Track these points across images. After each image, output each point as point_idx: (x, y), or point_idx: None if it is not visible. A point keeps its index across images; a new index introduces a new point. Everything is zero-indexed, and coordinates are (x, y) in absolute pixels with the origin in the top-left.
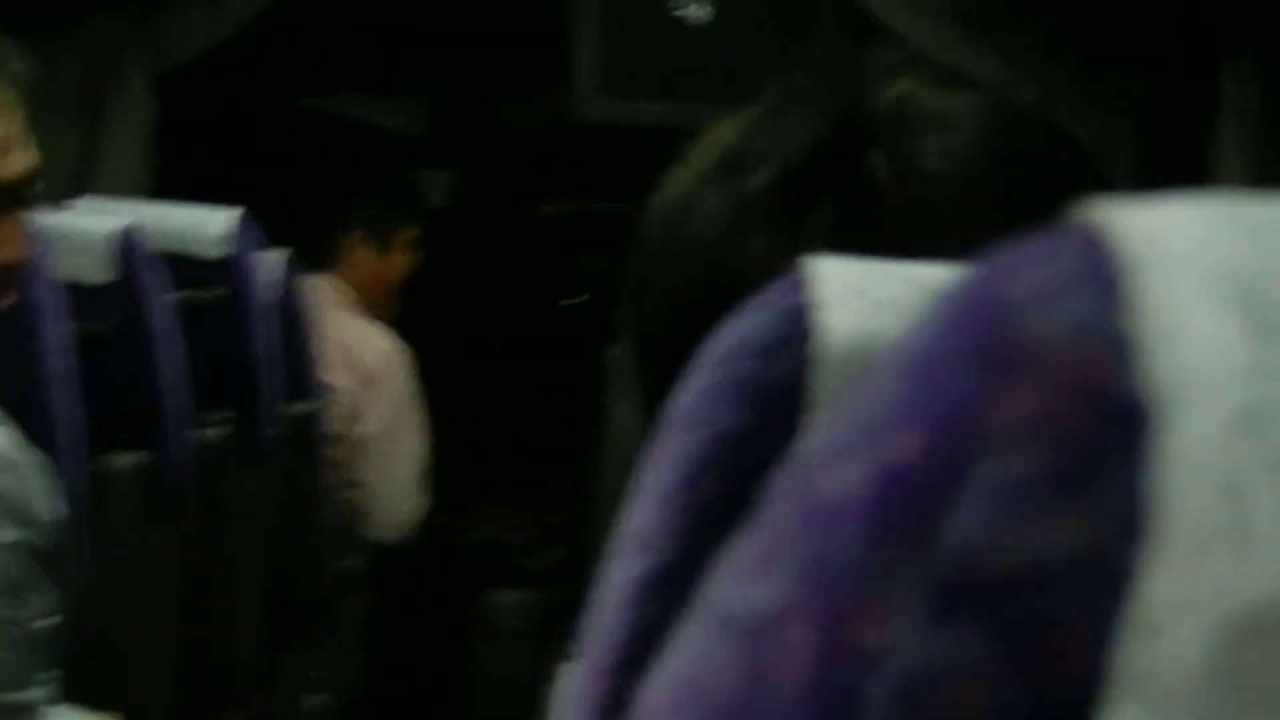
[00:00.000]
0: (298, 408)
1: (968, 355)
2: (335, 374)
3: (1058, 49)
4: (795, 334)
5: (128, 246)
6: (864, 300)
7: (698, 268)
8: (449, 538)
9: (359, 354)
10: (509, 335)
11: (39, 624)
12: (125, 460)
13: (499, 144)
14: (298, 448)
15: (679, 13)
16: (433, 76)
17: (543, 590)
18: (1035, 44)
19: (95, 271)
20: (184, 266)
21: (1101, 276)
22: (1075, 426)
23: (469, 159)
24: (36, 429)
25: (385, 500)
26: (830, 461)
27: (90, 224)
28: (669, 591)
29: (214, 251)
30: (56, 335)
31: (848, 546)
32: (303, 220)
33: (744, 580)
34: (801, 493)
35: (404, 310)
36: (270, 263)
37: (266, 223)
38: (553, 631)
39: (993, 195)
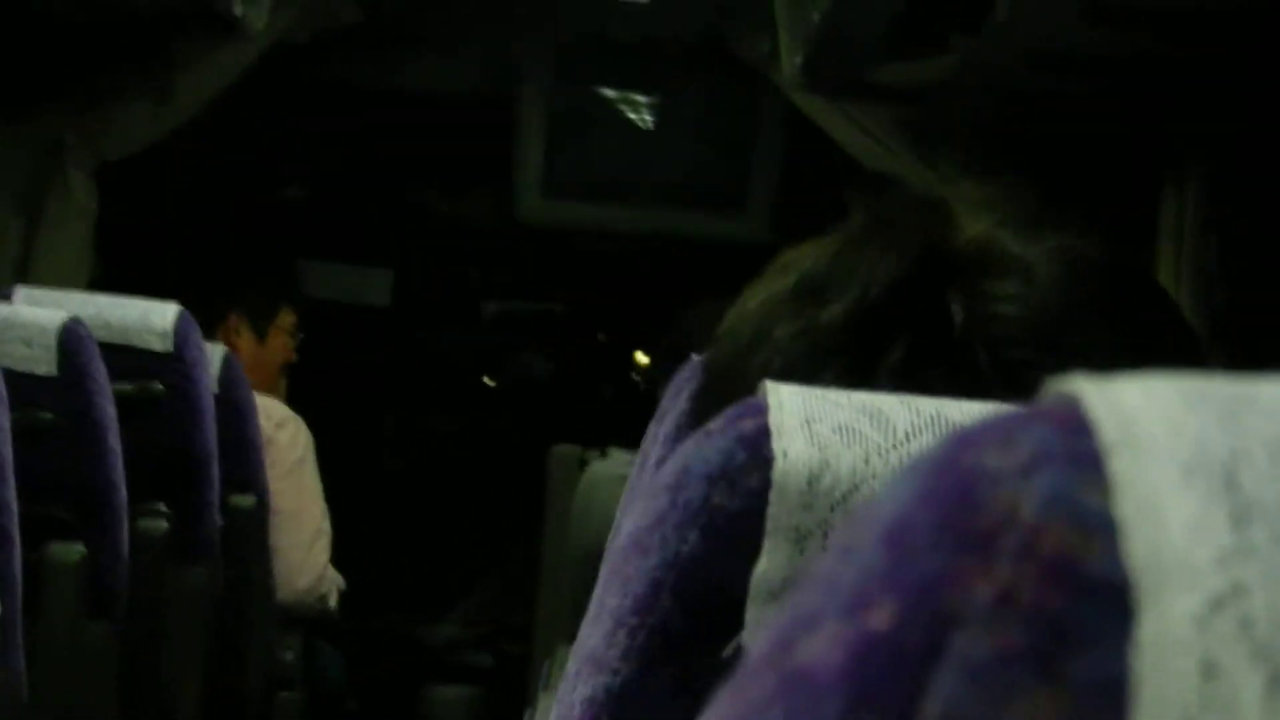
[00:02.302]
0: (239, 500)
1: (939, 528)
2: None
3: (996, 165)
4: (746, 462)
5: (71, 338)
6: (811, 429)
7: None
8: (391, 633)
9: None
10: (453, 434)
11: None
12: (64, 552)
13: (440, 242)
14: (236, 540)
15: (621, 118)
16: (377, 177)
17: (480, 688)
18: (973, 160)
19: (37, 363)
20: (126, 358)
21: (1079, 454)
22: (1048, 605)
23: (410, 256)
24: None
25: (279, 563)
26: (807, 628)
27: (32, 315)
28: (620, 713)
29: (157, 345)
30: None
31: (823, 715)
32: (192, 304)
33: None
34: (779, 657)
35: (350, 406)
36: (210, 356)
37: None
38: None
39: (1065, 346)
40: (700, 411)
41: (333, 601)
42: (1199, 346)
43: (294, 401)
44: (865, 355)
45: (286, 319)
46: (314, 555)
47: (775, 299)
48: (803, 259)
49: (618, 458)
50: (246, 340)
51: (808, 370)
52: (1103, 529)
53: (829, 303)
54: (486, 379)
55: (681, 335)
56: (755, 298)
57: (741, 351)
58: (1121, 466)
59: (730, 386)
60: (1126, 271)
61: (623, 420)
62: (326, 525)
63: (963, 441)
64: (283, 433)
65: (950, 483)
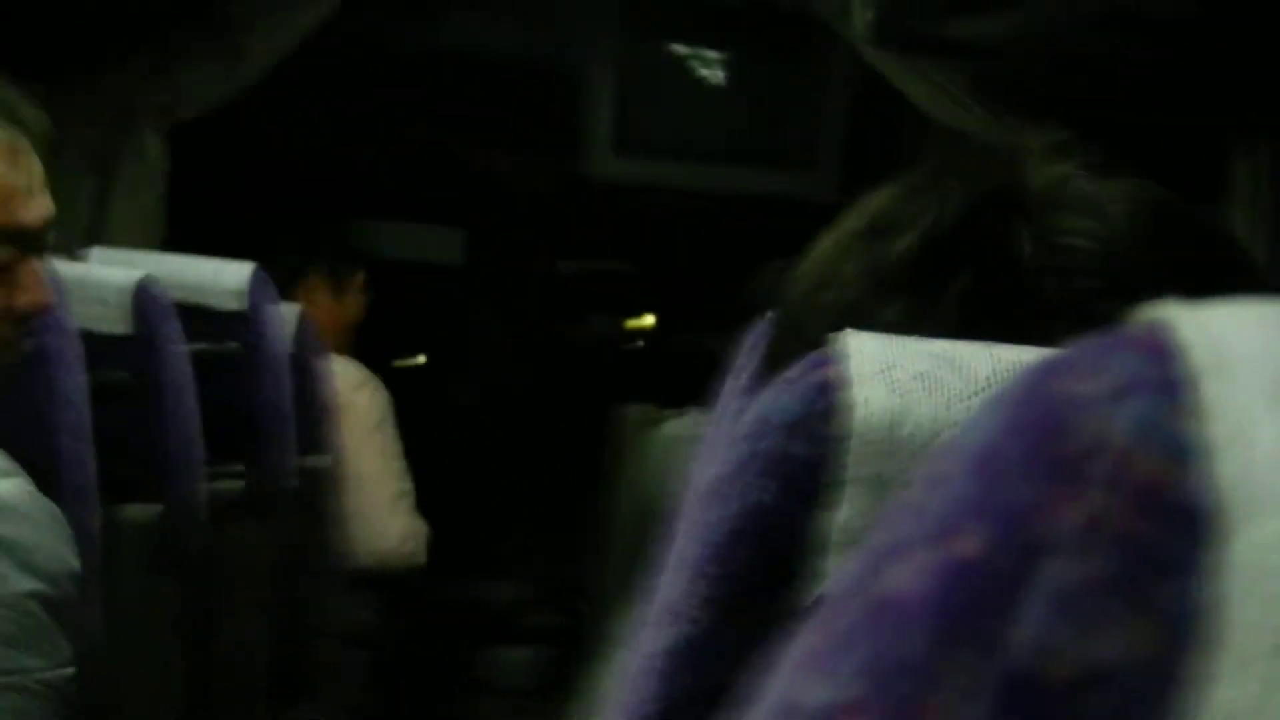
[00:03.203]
0: (310, 461)
1: (1029, 456)
2: None
3: (1065, 122)
4: (824, 410)
5: (144, 298)
6: (892, 376)
7: (831, 330)
8: (452, 593)
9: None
10: (521, 392)
11: (50, 674)
12: (137, 512)
13: (512, 203)
14: (309, 501)
15: (691, 75)
16: (448, 139)
17: (544, 648)
18: (1042, 116)
19: (111, 322)
20: (199, 318)
21: (1165, 381)
22: (1137, 532)
23: (483, 217)
24: (49, 478)
25: (362, 527)
26: (894, 557)
27: (106, 275)
28: (700, 662)
29: (230, 304)
30: (72, 385)
31: (911, 644)
32: (266, 264)
33: (808, 673)
34: (866, 587)
35: (419, 365)
36: (284, 316)
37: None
38: (554, 690)
39: (1133, 281)
40: (774, 355)
41: (421, 558)
42: (1266, 289)
43: (365, 359)
44: (932, 287)
45: (360, 279)
46: (396, 517)
47: (845, 238)
48: (875, 200)
49: (688, 418)
50: (323, 299)
51: (874, 304)
52: (1192, 455)
53: (897, 238)
54: (564, 352)
55: (751, 296)
56: (828, 239)
57: (812, 290)
58: (1208, 392)
59: (802, 326)
60: (1197, 215)
61: (694, 381)
62: (408, 485)
63: (1050, 369)
64: (360, 395)
65: (1038, 410)
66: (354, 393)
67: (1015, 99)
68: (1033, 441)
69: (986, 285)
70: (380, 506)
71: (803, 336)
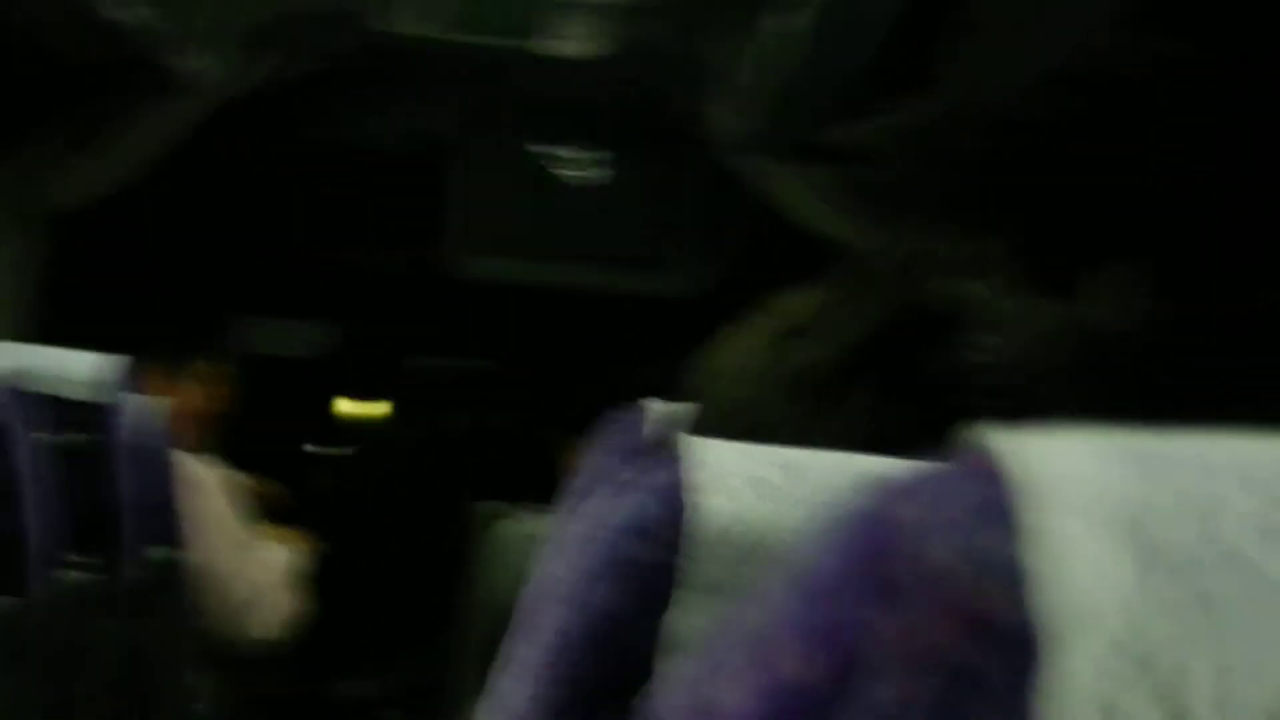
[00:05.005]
0: (161, 552)
1: (855, 577)
2: None
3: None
4: (671, 515)
5: (1, 388)
6: (732, 482)
7: (738, 424)
8: (312, 691)
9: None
10: (376, 487)
11: None
12: None
13: (375, 298)
14: (156, 593)
15: (552, 174)
16: (308, 227)
17: None
18: (924, 222)
19: None
20: (48, 408)
21: (994, 507)
22: (958, 654)
23: (338, 310)
24: None
25: (224, 621)
26: (720, 673)
27: None
28: None
29: (79, 394)
30: None
31: None
32: (133, 355)
33: None
34: (691, 703)
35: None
36: (139, 407)
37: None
38: None
39: (1031, 399)
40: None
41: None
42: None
43: (231, 452)
44: (835, 395)
45: (220, 370)
46: (256, 610)
47: (756, 339)
48: (789, 305)
49: (530, 515)
50: (188, 392)
51: (778, 408)
52: (1012, 579)
53: (811, 344)
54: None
55: (593, 392)
56: (738, 338)
57: (723, 384)
58: (1033, 518)
59: (707, 417)
60: (1101, 337)
61: (540, 477)
62: (263, 571)
63: (880, 493)
64: (202, 497)
65: (866, 533)
66: (209, 493)
67: (892, 204)
68: (859, 563)
69: (891, 397)
70: (234, 604)
71: (709, 425)
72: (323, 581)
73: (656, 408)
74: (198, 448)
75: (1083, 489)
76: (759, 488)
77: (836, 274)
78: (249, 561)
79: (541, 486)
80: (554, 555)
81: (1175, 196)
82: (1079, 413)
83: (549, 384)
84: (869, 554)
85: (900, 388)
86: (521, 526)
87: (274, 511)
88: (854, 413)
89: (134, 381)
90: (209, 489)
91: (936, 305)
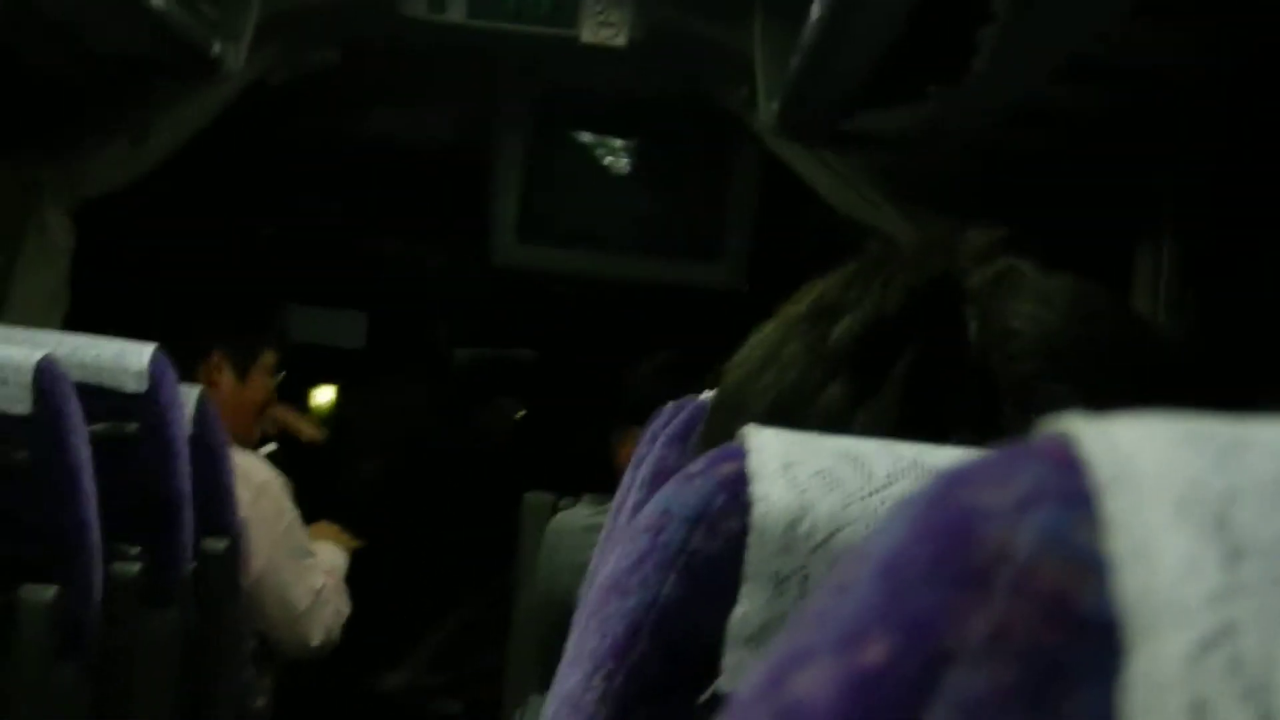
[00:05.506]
0: (212, 544)
1: (935, 564)
2: None
3: (971, 215)
4: (730, 504)
5: (46, 377)
6: (793, 473)
7: (772, 410)
8: (359, 681)
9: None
10: (425, 478)
11: None
12: (37, 594)
13: (415, 287)
14: (211, 584)
15: (597, 165)
16: (353, 222)
17: None
18: (949, 210)
19: (11, 401)
20: (101, 399)
21: (1073, 492)
22: (1042, 643)
23: (386, 300)
24: None
25: (286, 630)
26: (799, 664)
27: (7, 354)
28: None
29: (132, 385)
30: None
31: None
32: (166, 343)
33: None
34: (770, 694)
35: (321, 448)
36: (185, 397)
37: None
38: None
39: (1072, 370)
40: (711, 437)
41: (337, 639)
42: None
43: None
44: (875, 367)
45: (268, 359)
46: (314, 620)
47: (787, 323)
48: (816, 287)
49: (587, 506)
50: (227, 380)
51: (814, 386)
52: (1095, 567)
53: (840, 320)
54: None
55: (643, 382)
56: (768, 325)
57: (753, 373)
58: (1114, 505)
59: (736, 410)
60: (1128, 310)
61: (594, 468)
62: (322, 576)
63: (958, 478)
64: (265, 502)
65: (945, 519)
66: (258, 498)
67: (921, 191)
68: (939, 550)
69: (931, 364)
70: (297, 613)
71: (742, 419)
72: (375, 573)
73: (709, 398)
74: (248, 439)
75: (1165, 477)
76: (826, 479)
77: (864, 254)
78: (305, 568)
79: (592, 477)
80: (616, 546)
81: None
82: (1117, 386)
83: (600, 374)
84: (949, 540)
85: (940, 354)
86: (575, 516)
87: (328, 503)
88: (895, 384)
89: (178, 371)
90: (267, 491)
91: (965, 276)
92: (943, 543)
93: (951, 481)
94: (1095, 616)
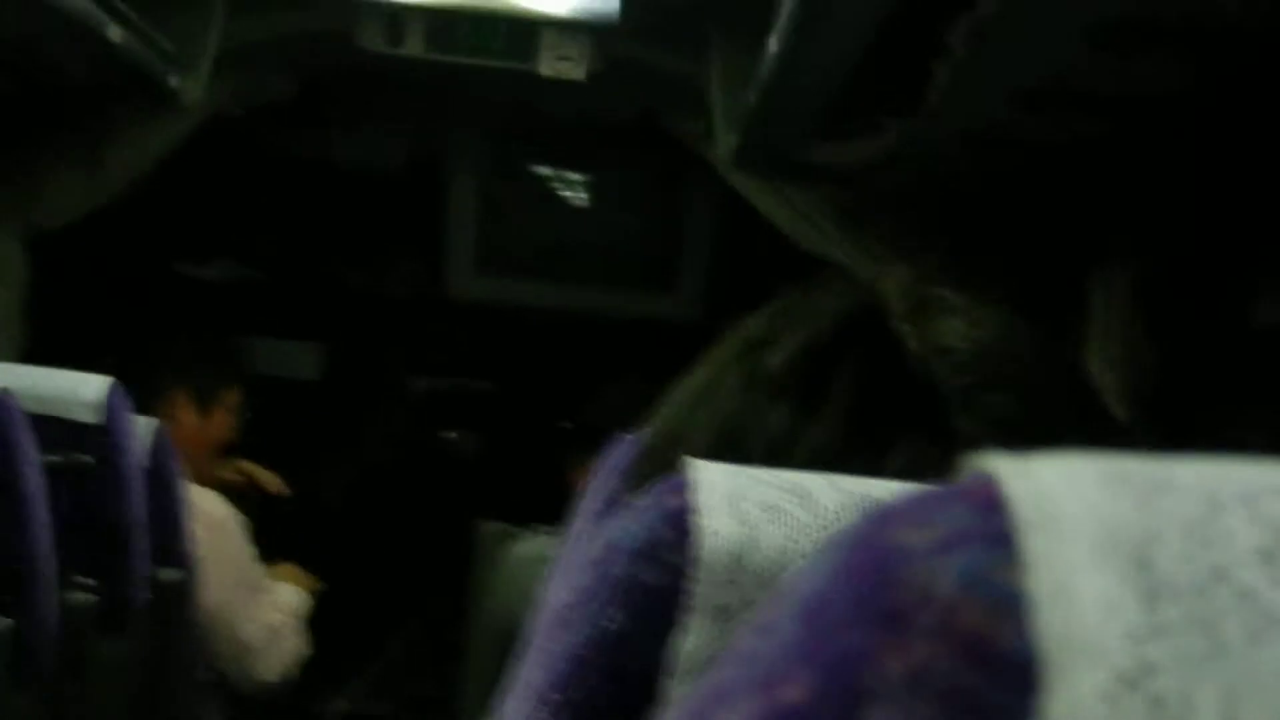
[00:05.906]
0: (166, 574)
1: (859, 604)
2: None
3: (928, 246)
4: (675, 538)
5: (0, 408)
6: (740, 507)
7: (717, 441)
8: (309, 708)
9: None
10: (379, 508)
11: None
12: None
13: (371, 318)
14: (165, 614)
15: (554, 195)
16: (308, 250)
17: None
18: (905, 241)
19: None
20: (56, 430)
21: (994, 533)
22: (963, 682)
23: (340, 331)
24: None
25: (237, 665)
26: (723, 702)
27: None
28: None
29: (87, 416)
30: None
31: None
32: (127, 379)
33: None
34: None
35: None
36: (141, 428)
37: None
38: None
39: (1008, 381)
40: (645, 472)
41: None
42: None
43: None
44: (812, 392)
45: (231, 396)
46: (272, 654)
47: (722, 358)
48: (747, 324)
49: (544, 536)
50: (188, 416)
51: (756, 414)
52: (1015, 607)
53: (776, 350)
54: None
55: (598, 413)
56: (703, 361)
57: (688, 407)
58: (1034, 545)
59: (674, 443)
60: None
61: (549, 499)
62: (278, 614)
63: (880, 519)
64: (221, 538)
65: (867, 560)
66: (215, 531)
67: (877, 223)
68: (861, 590)
69: (872, 379)
70: (250, 649)
71: (680, 452)
72: (328, 600)
73: (653, 431)
74: (208, 476)
75: (1086, 517)
76: (772, 513)
77: (789, 289)
78: (260, 605)
79: (547, 508)
80: (562, 577)
81: (1158, 214)
82: (1033, 399)
83: (553, 406)
84: (871, 580)
85: (881, 369)
86: (529, 547)
87: (282, 530)
88: (837, 404)
89: (135, 404)
90: (223, 528)
91: (892, 301)
92: (865, 583)
93: (875, 522)
94: (1015, 656)
